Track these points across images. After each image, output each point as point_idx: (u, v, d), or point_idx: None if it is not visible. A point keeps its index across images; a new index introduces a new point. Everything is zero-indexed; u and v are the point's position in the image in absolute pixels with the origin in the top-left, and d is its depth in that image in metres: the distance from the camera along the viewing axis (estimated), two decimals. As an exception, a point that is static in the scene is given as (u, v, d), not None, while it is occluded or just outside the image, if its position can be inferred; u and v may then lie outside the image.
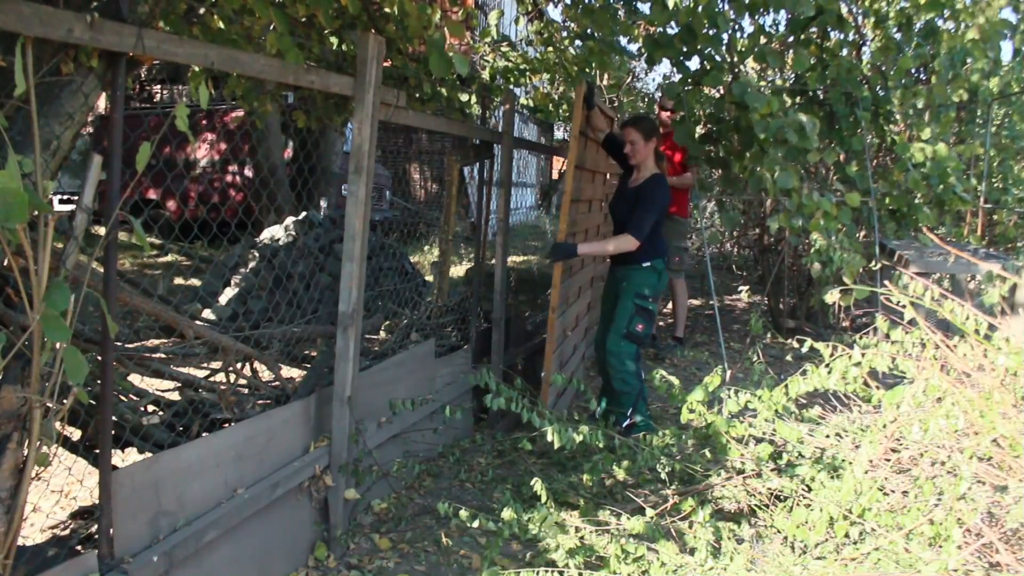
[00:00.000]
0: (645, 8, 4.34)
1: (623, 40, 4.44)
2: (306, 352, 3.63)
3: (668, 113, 5.56)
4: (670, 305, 5.86)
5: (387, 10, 3.49)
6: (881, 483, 2.22)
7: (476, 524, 2.29)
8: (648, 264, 3.80)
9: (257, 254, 6.03)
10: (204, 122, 9.88)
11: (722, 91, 4.50)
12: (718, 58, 4.07)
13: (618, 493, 3.03)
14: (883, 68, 4.71)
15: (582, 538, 2.28)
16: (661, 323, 6.51)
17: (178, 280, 7.46)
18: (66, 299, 1.49)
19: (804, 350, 2.58)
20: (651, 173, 3.84)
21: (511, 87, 5.06)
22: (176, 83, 14.10)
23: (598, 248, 3.86)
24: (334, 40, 3.67)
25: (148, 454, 2.42)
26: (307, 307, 3.88)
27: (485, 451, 3.71)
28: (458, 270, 7.12)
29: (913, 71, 5.22)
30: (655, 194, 3.78)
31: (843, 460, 2.44)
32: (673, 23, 4.01)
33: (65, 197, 10.39)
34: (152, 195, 10.24)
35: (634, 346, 3.78)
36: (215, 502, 2.28)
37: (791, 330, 6.01)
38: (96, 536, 1.90)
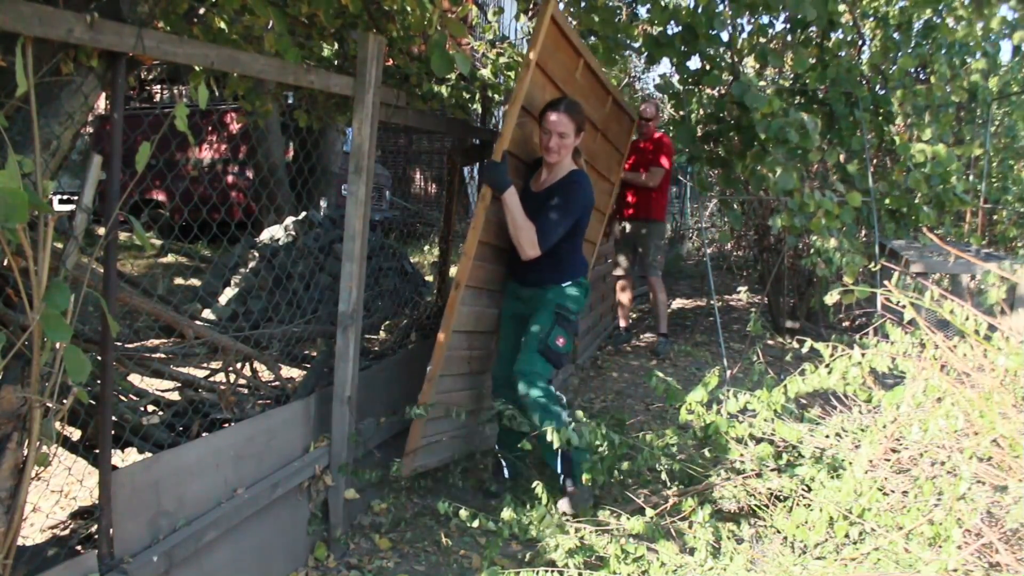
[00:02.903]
0: (645, 9, 4.34)
1: (623, 39, 4.43)
2: (306, 352, 3.63)
3: (650, 121, 5.55)
4: (652, 297, 5.85)
5: (387, 7, 3.49)
6: (881, 483, 2.22)
7: (476, 524, 2.29)
8: (570, 283, 3.06)
9: (257, 254, 6.03)
10: (204, 122, 9.88)
11: (722, 91, 4.51)
12: (719, 58, 4.07)
13: (618, 493, 3.03)
14: (882, 68, 4.71)
15: (582, 538, 2.28)
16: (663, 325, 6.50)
17: (178, 280, 7.46)
18: (66, 299, 1.49)
19: (804, 350, 2.58)
20: (569, 169, 3.00)
21: (512, 86, 5.06)
22: (176, 83, 14.10)
23: (516, 215, 2.83)
24: (335, 40, 3.67)
25: (148, 454, 2.42)
26: (307, 307, 3.87)
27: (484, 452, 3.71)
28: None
29: (913, 71, 5.22)
30: (575, 194, 2.93)
31: (843, 460, 2.44)
32: (673, 22, 4.01)
33: (65, 197, 10.38)
34: (152, 195, 10.26)
35: (550, 368, 2.94)
36: (215, 502, 2.28)
37: (791, 330, 6.01)
38: (96, 536, 1.90)
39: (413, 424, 2.89)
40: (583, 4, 4.18)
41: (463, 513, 2.28)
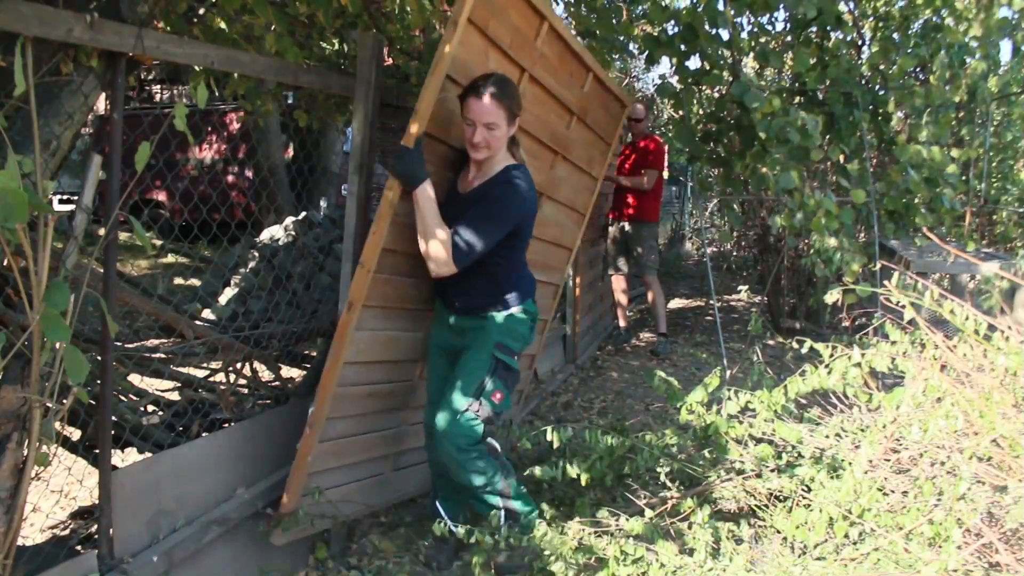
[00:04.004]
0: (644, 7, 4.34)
1: (622, 39, 4.43)
2: (306, 352, 3.63)
3: (639, 122, 5.61)
4: (649, 297, 5.88)
5: (387, 7, 3.49)
6: (881, 483, 2.22)
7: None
8: (516, 309, 2.41)
9: (257, 254, 6.03)
10: (204, 122, 9.89)
11: (722, 91, 4.51)
12: (719, 58, 4.06)
13: (618, 495, 3.03)
14: (881, 68, 4.71)
15: (581, 540, 2.27)
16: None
17: (178, 280, 7.46)
18: (66, 299, 1.49)
19: (804, 350, 2.58)
20: (503, 165, 2.35)
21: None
22: (176, 83, 14.10)
23: (427, 217, 2.21)
24: (335, 40, 3.67)
25: (148, 454, 2.42)
26: (307, 307, 3.86)
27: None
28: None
29: (911, 71, 5.22)
30: (509, 197, 2.28)
31: (843, 460, 2.44)
32: (673, 22, 4.01)
33: (65, 197, 10.39)
34: (151, 195, 10.26)
35: (481, 428, 2.33)
36: (215, 502, 2.28)
37: (791, 330, 6.01)
38: (96, 536, 1.90)
39: (290, 477, 2.30)
40: (582, 5, 4.18)
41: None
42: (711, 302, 6.08)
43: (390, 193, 2.20)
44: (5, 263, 1.53)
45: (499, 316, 2.40)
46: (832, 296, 2.51)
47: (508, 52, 2.47)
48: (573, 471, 2.53)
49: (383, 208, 2.20)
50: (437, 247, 2.21)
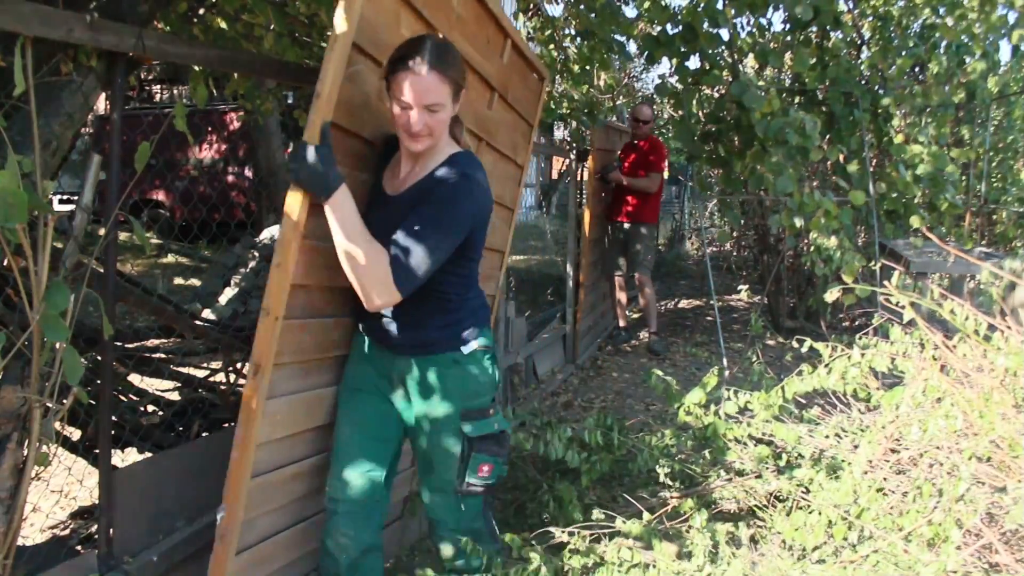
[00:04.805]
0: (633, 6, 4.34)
1: (623, 39, 4.44)
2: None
3: (646, 124, 5.66)
4: (644, 294, 5.91)
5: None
6: (880, 484, 2.22)
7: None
8: (472, 348, 1.87)
9: (257, 254, 6.04)
10: (203, 122, 9.88)
11: (722, 91, 4.51)
12: (719, 58, 4.06)
13: (618, 495, 3.03)
14: (880, 69, 4.72)
15: (578, 545, 2.26)
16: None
17: (178, 280, 7.46)
18: (66, 299, 1.50)
19: (804, 350, 2.58)
20: (447, 154, 1.80)
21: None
22: (176, 83, 14.11)
23: (351, 235, 1.63)
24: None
25: (148, 454, 2.42)
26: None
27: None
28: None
29: (910, 71, 5.23)
30: (461, 195, 1.73)
31: (842, 461, 2.44)
32: (671, 22, 4.01)
33: (65, 197, 10.40)
34: (151, 195, 10.26)
35: (479, 501, 1.98)
36: (215, 502, 2.27)
37: (791, 330, 6.01)
38: (96, 536, 1.90)
39: None
40: (582, 5, 4.18)
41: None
42: (711, 302, 6.09)
43: (295, 209, 1.62)
44: (5, 263, 1.53)
45: (454, 364, 1.85)
46: (832, 295, 2.51)
47: (423, 13, 1.95)
48: (574, 459, 2.55)
49: (286, 232, 1.64)
50: (371, 271, 1.64)
